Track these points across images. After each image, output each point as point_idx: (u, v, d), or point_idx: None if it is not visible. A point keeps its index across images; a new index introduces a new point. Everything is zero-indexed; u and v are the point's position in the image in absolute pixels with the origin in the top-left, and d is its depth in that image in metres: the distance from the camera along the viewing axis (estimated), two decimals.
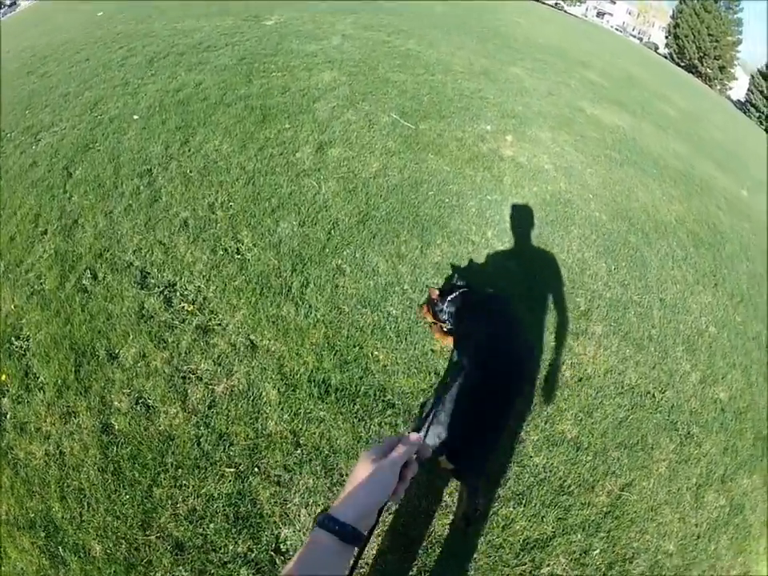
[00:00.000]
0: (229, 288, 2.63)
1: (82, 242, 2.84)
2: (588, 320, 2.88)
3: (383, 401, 2.21)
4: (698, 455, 2.43)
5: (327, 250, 2.90)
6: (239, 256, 2.83)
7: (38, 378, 2.20)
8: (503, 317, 2.17)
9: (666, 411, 2.56)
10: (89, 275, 2.62)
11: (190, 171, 3.39)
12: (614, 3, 35.38)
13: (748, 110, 25.34)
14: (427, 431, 0.87)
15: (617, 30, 31.77)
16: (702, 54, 30.50)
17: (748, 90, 27.25)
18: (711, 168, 6.77)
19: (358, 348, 2.40)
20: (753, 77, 26.90)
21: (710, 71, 30.54)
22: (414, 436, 0.74)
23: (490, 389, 1.64)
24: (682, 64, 30.50)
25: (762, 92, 25.23)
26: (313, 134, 3.90)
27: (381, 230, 3.10)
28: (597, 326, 2.87)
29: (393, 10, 8.87)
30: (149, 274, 2.65)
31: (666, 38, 32.49)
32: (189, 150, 3.61)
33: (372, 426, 2.11)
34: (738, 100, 28.36)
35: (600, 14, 32.80)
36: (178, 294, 2.56)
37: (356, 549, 0.62)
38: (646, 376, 2.70)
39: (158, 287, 2.57)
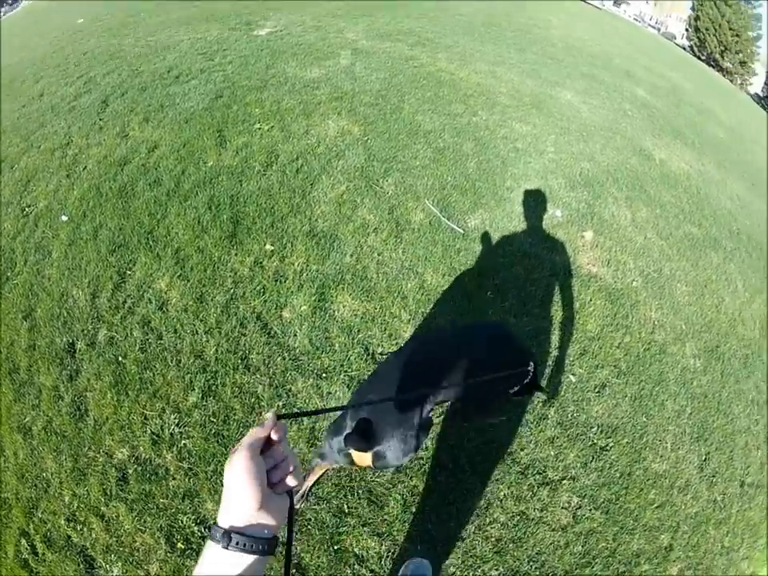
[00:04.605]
0: None
1: (6, 481, 1.88)
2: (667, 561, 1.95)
3: None
4: None
5: None
6: None
7: None
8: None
9: None
10: (26, 545, 1.72)
11: (125, 356, 2.11)
12: None
13: (767, 105, 24.57)
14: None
15: (635, 19, 29.63)
16: (723, 48, 29.13)
17: (765, 83, 26.51)
18: None
19: None
20: None
21: (730, 66, 29.25)
22: (268, 416, 0.56)
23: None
24: (702, 57, 29.16)
25: None
26: (308, 263, 2.54)
27: None
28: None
29: (413, 9, 7.31)
30: (93, 561, 1.68)
31: (687, 30, 30.91)
32: (123, 304, 2.30)
33: None
34: (756, 94, 27.25)
35: (617, 3, 30.60)
36: None
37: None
38: None
39: None
